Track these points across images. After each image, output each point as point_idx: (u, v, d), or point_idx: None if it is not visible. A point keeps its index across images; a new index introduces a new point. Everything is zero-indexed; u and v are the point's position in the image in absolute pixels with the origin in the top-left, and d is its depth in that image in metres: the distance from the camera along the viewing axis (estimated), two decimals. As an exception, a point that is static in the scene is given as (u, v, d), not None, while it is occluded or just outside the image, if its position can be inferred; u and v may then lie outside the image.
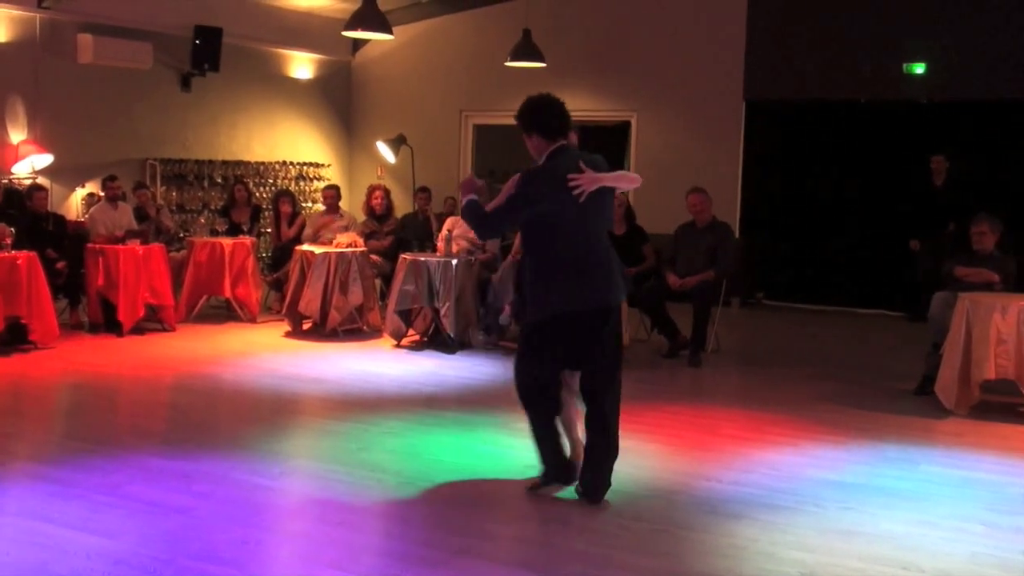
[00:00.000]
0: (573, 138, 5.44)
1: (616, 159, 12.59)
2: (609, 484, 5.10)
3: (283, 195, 11.59)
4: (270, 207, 12.08)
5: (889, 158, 11.95)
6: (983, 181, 11.03)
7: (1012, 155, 11.27)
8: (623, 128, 13.27)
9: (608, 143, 13.16)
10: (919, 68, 11.47)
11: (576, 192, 4.87)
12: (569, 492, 5.20)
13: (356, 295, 9.66)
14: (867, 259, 12.12)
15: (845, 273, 12.33)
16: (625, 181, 5.21)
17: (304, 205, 13.29)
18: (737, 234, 11.32)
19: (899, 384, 8.09)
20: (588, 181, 4.89)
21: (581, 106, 13.29)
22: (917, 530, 4.82)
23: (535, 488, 5.26)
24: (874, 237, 12.04)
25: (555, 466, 5.25)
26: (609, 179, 5.00)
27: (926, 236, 11.11)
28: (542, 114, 5.07)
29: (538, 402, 5.19)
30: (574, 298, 4.92)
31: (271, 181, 13.32)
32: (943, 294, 7.78)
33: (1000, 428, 6.89)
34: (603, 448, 5.06)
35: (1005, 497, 5.39)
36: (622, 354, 5.22)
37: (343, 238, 9.98)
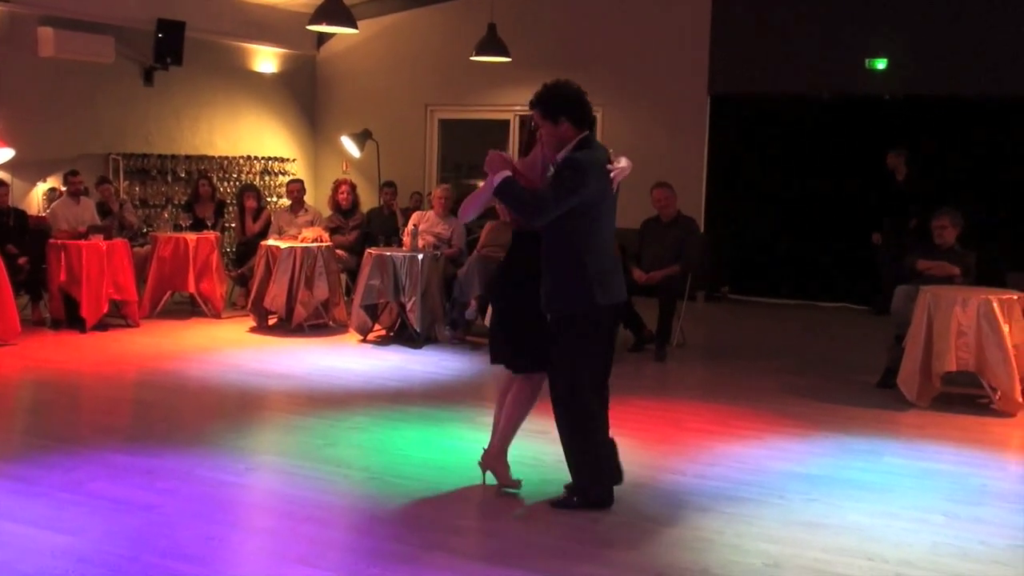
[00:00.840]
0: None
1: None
2: None
3: (248, 190, 11.52)
4: (234, 202, 12.01)
5: (852, 153, 12.06)
6: (944, 176, 11.16)
7: (973, 150, 11.41)
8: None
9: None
10: (880, 63, 11.57)
11: (611, 182, 4.86)
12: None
13: (322, 290, 9.62)
14: (831, 253, 12.22)
15: (809, 267, 12.43)
16: (627, 168, 5.07)
17: (269, 200, 13.21)
18: (702, 228, 11.38)
19: (862, 377, 8.17)
20: (619, 172, 4.89)
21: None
22: (880, 521, 4.88)
23: (561, 505, 5.01)
24: (838, 231, 12.15)
25: (608, 481, 5.01)
26: (626, 169, 4.97)
27: (888, 230, 11.24)
28: (575, 101, 4.88)
29: (588, 402, 4.92)
30: (615, 291, 4.92)
31: (235, 176, 13.23)
32: (905, 287, 7.87)
33: (961, 420, 6.98)
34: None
35: (965, 488, 5.46)
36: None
37: (308, 233, 9.94)
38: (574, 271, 4.81)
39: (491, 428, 5.33)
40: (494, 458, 5.22)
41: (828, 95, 12.03)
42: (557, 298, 4.86)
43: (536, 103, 4.94)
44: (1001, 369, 7.03)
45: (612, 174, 4.87)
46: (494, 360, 5.26)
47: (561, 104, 4.88)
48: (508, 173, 4.79)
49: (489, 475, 5.25)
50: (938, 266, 7.85)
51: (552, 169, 4.90)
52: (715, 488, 5.32)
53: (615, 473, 5.04)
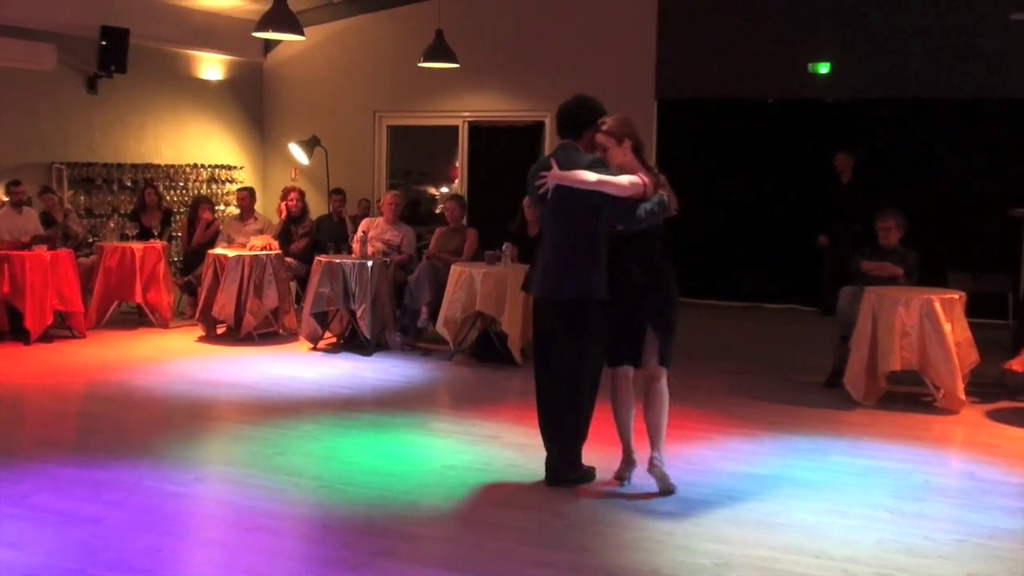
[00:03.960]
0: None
1: (531, 160, 12.64)
2: None
3: (204, 201, 11.44)
4: (183, 211, 11.88)
5: (797, 156, 12.20)
6: (888, 178, 11.33)
7: (915, 150, 11.59)
8: (537, 128, 13.33)
9: (522, 143, 13.22)
10: (823, 68, 11.73)
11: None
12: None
13: (271, 298, 9.56)
14: (777, 255, 12.35)
15: (756, 269, 12.56)
16: (615, 189, 5.17)
17: (218, 208, 13.11)
18: (650, 232, 11.43)
19: (809, 377, 8.27)
20: (555, 178, 5.20)
21: (494, 107, 13.38)
22: (827, 519, 4.95)
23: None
24: (784, 233, 12.27)
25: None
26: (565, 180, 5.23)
27: (834, 232, 11.38)
28: (575, 117, 5.59)
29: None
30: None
31: (182, 184, 13.10)
32: (850, 288, 7.98)
33: (905, 418, 7.09)
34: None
35: (909, 484, 5.55)
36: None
37: (257, 241, 9.88)
38: (601, 262, 5.27)
39: (622, 435, 5.54)
40: (660, 461, 5.37)
41: (773, 99, 12.17)
42: (597, 285, 5.23)
43: (603, 126, 5.53)
44: (944, 367, 7.16)
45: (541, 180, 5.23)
46: (619, 363, 5.47)
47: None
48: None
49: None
50: (882, 267, 7.96)
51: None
52: (665, 489, 5.36)
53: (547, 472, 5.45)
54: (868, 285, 7.68)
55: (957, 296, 7.40)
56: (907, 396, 7.58)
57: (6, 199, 10.09)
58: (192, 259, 10.91)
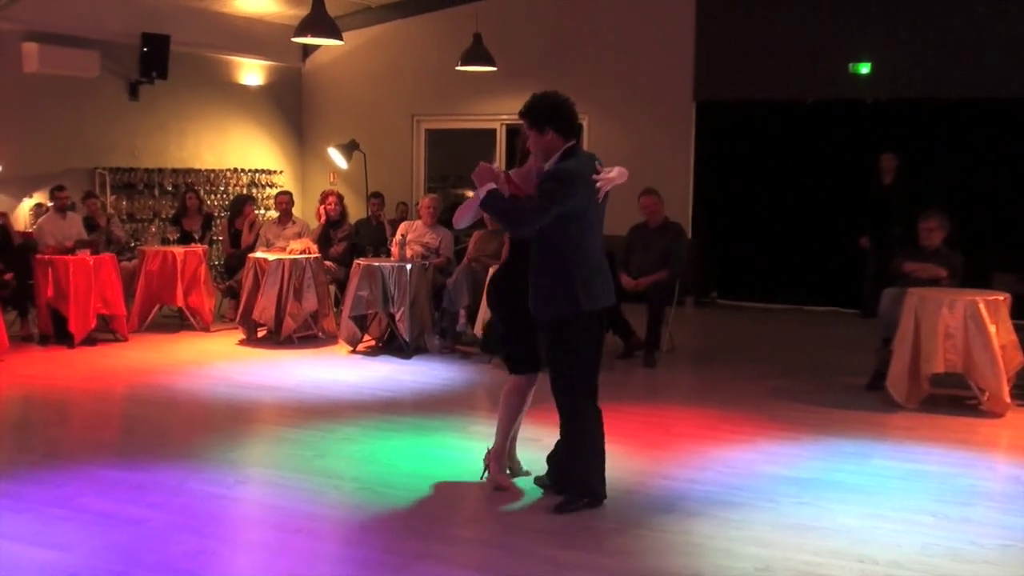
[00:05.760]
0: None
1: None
2: None
3: (249, 200, 11.55)
4: (223, 215, 11.98)
5: (838, 157, 12.10)
6: (930, 178, 11.21)
7: (958, 152, 11.45)
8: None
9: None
10: (864, 68, 11.62)
11: (597, 191, 4.96)
12: (531, 493, 5.22)
13: (310, 301, 9.61)
14: (819, 257, 12.26)
15: (797, 271, 12.47)
16: (621, 177, 5.11)
17: (258, 212, 13.21)
18: (689, 234, 11.41)
19: (851, 380, 8.19)
20: (606, 182, 4.96)
21: (533, 109, 13.37)
22: (870, 523, 4.89)
23: (566, 509, 5.03)
24: (825, 235, 12.18)
25: (598, 483, 5.12)
26: (617, 179, 5.04)
27: (876, 234, 11.27)
28: (562, 111, 4.96)
29: (578, 401, 5.04)
30: (601, 295, 5.02)
31: (222, 189, 13.23)
32: (892, 290, 7.89)
33: (948, 421, 7.00)
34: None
35: (953, 488, 5.48)
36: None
37: (296, 244, 9.94)
38: (561, 279, 4.91)
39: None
40: (491, 456, 5.41)
41: (812, 100, 12.07)
42: (546, 305, 4.96)
43: (524, 113, 5.03)
44: (988, 370, 7.06)
45: (597, 183, 4.93)
46: (489, 350, 5.36)
47: (547, 114, 4.96)
48: (493, 185, 4.86)
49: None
50: (924, 268, 7.87)
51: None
52: (705, 493, 5.32)
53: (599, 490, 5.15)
54: (910, 287, 7.59)
55: (1002, 298, 7.29)
56: (950, 399, 7.48)
57: (51, 204, 10.22)
58: (233, 263, 10.99)
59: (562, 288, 4.91)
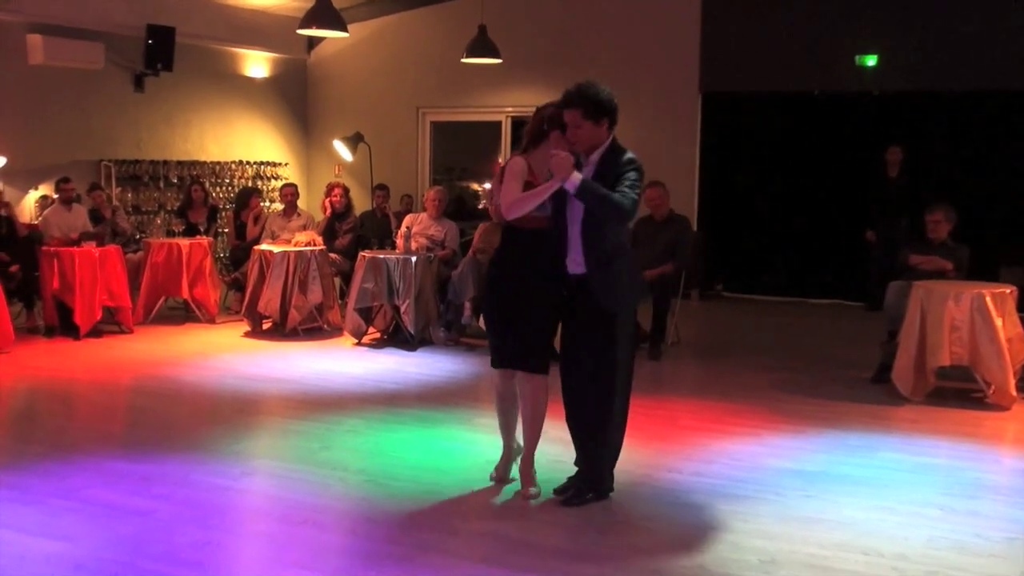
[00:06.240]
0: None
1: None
2: None
3: (255, 193, 11.55)
4: (228, 207, 11.98)
5: (844, 149, 12.08)
6: (936, 172, 11.18)
7: (964, 145, 11.42)
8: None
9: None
10: (871, 60, 11.59)
11: None
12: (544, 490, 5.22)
13: (315, 294, 9.62)
14: (824, 249, 12.24)
15: (803, 264, 12.45)
16: None
17: (263, 204, 13.20)
18: (695, 227, 11.39)
19: (857, 373, 8.18)
20: None
21: (537, 101, 13.25)
22: (876, 516, 4.89)
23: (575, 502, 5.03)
24: (831, 228, 12.16)
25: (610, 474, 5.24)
26: None
27: (881, 226, 11.25)
28: (615, 105, 4.92)
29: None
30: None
31: (227, 181, 13.22)
32: (898, 283, 7.88)
33: (954, 414, 6.99)
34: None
35: (960, 481, 5.47)
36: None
37: (302, 237, 9.94)
38: (630, 267, 5.04)
39: (502, 434, 5.35)
40: (525, 467, 5.18)
41: (819, 92, 12.04)
42: (628, 294, 4.98)
43: (579, 102, 4.88)
44: (995, 363, 7.04)
45: None
46: (503, 364, 5.19)
47: (605, 105, 4.90)
48: (579, 176, 4.71)
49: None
50: (930, 260, 7.86)
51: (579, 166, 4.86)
52: (711, 485, 5.32)
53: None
54: (916, 279, 7.57)
55: (1009, 290, 7.28)
56: (956, 392, 7.47)
57: (56, 196, 10.23)
58: (239, 255, 10.99)
59: (633, 276, 5.07)
